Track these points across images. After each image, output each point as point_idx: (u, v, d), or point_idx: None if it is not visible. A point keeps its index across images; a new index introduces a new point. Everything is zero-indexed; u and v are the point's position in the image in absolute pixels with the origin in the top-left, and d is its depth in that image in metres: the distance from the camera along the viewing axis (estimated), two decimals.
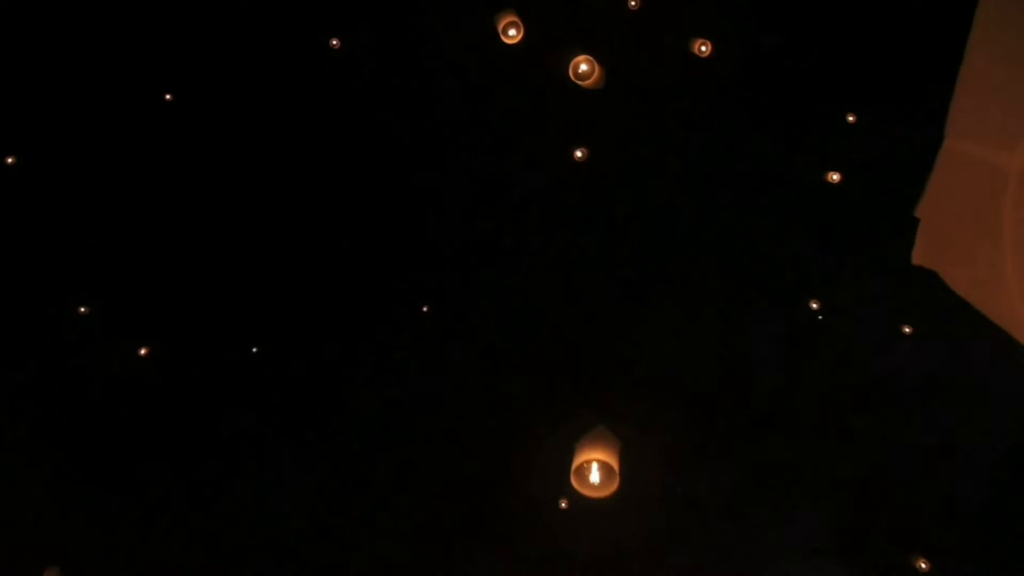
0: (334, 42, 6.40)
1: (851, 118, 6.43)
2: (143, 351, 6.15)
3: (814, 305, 6.30)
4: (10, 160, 6.22)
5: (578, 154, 6.41)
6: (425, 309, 6.49)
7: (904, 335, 6.14)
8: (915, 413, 6.16)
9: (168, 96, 6.30)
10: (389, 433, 6.50)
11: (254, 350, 6.32)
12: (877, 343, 6.22)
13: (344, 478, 6.40)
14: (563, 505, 6.07)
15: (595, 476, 4.55)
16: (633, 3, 6.32)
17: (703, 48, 6.33)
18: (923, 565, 6.04)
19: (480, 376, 6.50)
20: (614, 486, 4.54)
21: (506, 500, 6.23)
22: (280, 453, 6.32)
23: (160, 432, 6.20)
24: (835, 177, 6.21)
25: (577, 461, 4.54)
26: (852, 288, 6.29)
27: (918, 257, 2.94)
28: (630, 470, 4.77)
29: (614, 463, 4.51)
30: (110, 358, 6.18)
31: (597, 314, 6.60)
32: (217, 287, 6.39)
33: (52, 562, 5.71)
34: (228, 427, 6.27)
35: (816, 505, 6.31)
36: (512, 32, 6.17)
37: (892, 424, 6.20)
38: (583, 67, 5.82)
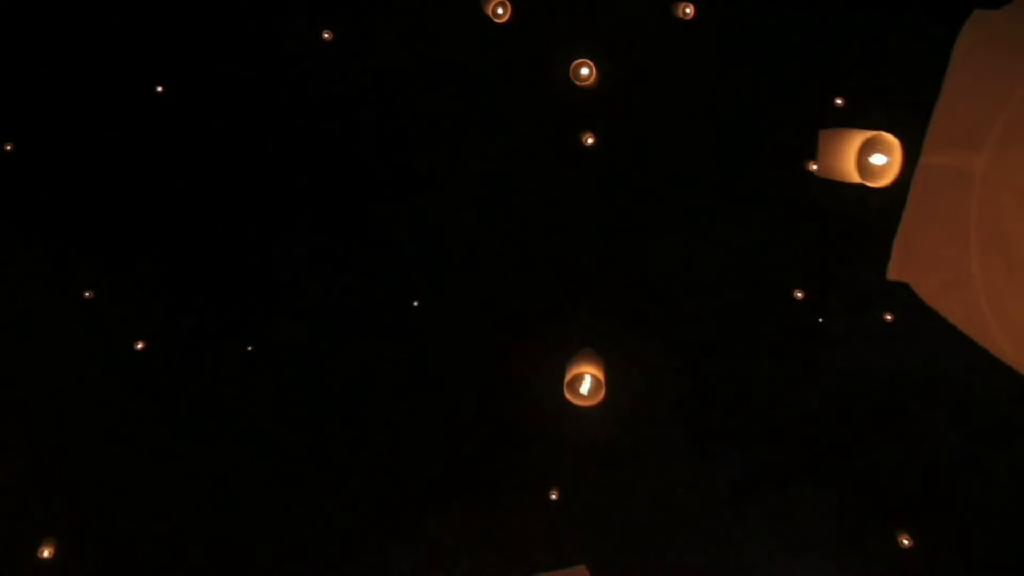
0: (326, 35, 6.38)
1: (839, 101, 6.43)
2: (139, 345, 6.24)
3: (799, 295, 6.36)
4: (8, 147, 6.26)
5: (589, 141, 6.43)
6: (416, 304, 6.56)
7: (888, 323, 6.20)
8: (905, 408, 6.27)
9: (159, 88, 6.32)
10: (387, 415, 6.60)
11: (249, 348, 6.39)
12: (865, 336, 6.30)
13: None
14: (553, 497, 6.25)
15: (585, 387, 5.18)
16: None
17: (687, 11, 6.31)
18: (905, 542, 6.18)
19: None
20: (600, 395, 5.17)
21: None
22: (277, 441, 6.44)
23: (156, 421, 6.30)
24: (815, 167, 6.21)
25: (570, 375, 5.16)
26: (840, 280, 6.37)
27: (893, 272, 3.04)
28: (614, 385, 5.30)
29: (600, 376, 5.16)
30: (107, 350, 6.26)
31: (592, 282, 6.70)
32: (213, 283, 6.44)
33: (48, 535, 5.88)
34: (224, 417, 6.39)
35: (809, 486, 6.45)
36: (500, 12, 6.19)
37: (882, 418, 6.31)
38: (583, 71, 5.91)
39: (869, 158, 3.82)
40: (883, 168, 3.71)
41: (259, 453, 6.30)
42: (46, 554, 5.68)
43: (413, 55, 6.60)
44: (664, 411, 6.54)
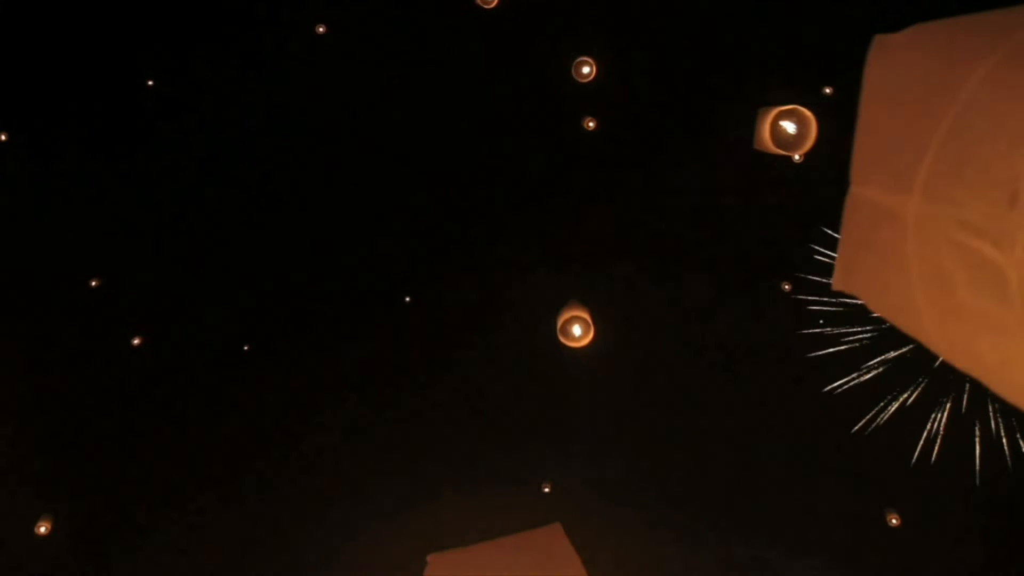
0: (321, 29, 6.36)
1: (828, 90, 6.37)
2: (136, 341, 6.29)
3: (787, 287, 6.36)
4: (3, 137, 6.31)
5: (591, 124, 6.45)
6: (408, 299, 6.61)
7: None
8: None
9: (150, 82, 6.34)
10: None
11: (245, 348, 6.45)
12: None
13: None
14: (546, 490, 6.38)
15: (576, 330, 5.99)
16: None
17: None
18: (895, 521, 6.25)
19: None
20: (590, 336, 5.90)
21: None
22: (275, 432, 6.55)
23: (151, 411, 6.41)
24: (797, 157, 6.18)
25: (561, 320, 5.94)
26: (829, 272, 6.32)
27: (837, 284, 3.05)
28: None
29: (587, 318, 5.94)
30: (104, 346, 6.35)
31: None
32: (211, 281, 6.51)
33: (45, 513, 6.01)
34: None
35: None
36: None
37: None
38: (585, 68, 6.02)
39: (777, 127, 4.11)
40: (789, 137, 3.97)
41: (257, 451, 6.43)
42: (43, 530, 5.93)
43: (406, 48, 6.58)
44: (662, 406, 6.61)
